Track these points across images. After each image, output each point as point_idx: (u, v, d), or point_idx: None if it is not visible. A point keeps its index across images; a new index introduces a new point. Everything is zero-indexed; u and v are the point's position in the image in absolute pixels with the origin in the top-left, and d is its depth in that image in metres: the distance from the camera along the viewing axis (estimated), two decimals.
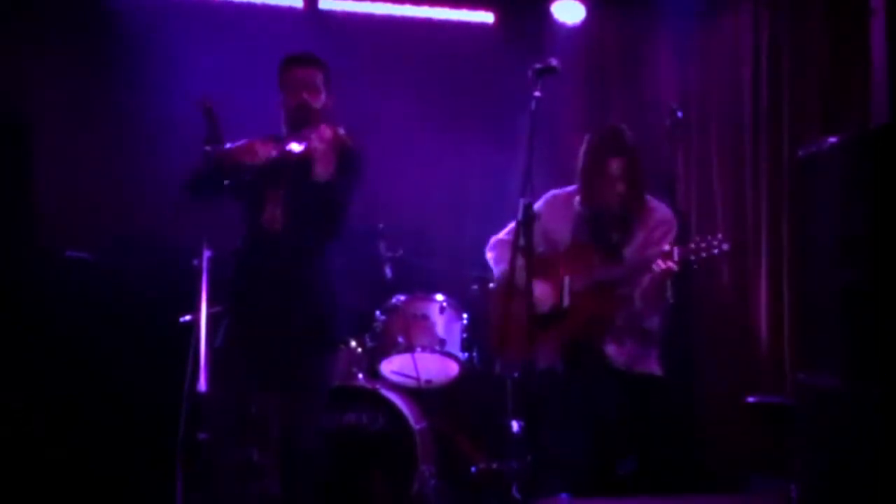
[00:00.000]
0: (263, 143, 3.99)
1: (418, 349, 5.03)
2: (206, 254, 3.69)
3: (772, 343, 5.44)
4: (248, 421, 4.10)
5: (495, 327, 4.46)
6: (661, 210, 4.49)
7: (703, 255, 4.12)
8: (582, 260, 4.41)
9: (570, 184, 4.64)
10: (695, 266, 4.15)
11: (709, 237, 4.16)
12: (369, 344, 5.16)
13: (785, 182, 5.39)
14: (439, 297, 5.19)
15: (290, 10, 5.95)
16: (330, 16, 6.00)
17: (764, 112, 5.55)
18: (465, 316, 5.22)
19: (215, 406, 3.85)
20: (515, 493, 4.67)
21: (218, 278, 3.95)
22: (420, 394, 5.14)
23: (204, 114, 3.75)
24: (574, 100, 6.02)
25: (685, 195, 5.84)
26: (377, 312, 5.18)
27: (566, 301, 4.38)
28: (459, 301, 5.25)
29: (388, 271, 5.32)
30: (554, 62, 3.90)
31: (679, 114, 5.18)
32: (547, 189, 4.67)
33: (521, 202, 3.80)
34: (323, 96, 4.16)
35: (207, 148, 3.73)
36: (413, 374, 5.07)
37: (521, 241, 3.81)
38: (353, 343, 5.11)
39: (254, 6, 5.89)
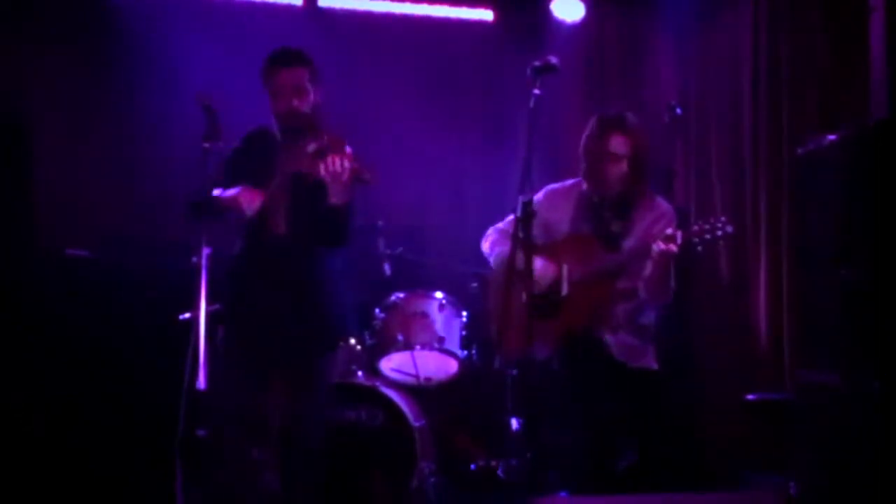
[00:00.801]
0: (251, 194, 3.93)
1: (417, 347, 5.03)
2: (206, 251, 3.68)
3: (771, 340, 5.44)
4: (248, 417, 4.10)
5: (494, 317, 4.46)
6: (662, 205, 4.48)
7: (707, 237, 4.06)
8: (581, 249, 4.40)
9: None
10: (699, 248, 4.09)
11: (711, 219, 4.09)
12: (368, 341, 5.16)
13: (784, 179, 5.39)
14: (438, 294, 5.19)
15: (290, 8, 5.96)
16: (329, 13, 6.01)
17: (763, 110, 5.55)
18: (464, 313, 5.22)
19: (215, 403, 3.85)
20: (513, 490, 4.68)
21: (217, 276, 3.94)
22: (419, 391, 5.15)
23: (203, 110, 3.75)
24: (573, 98, 6.03)
25: (684, 192, 5.85)
26: (376, 310, 5.18)
27: (564, 290, 4.38)
28: (459, 298, 5.25)
29: (387, 269, 5.32)
30: (553, 60, 3.90)
31: (678, 111, 5.18)
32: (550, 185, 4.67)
33: (520, 199, 3.80)
34: (311, 95, 4.12)
35: (206, 145, 3.72)
36: (412, 371, 5.07)
37: (519, 237, 3.81)
38: (353, 340, 5.11)
39: (253, 4, 5.90)
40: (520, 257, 3.81)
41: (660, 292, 4.28)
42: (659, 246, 4.06)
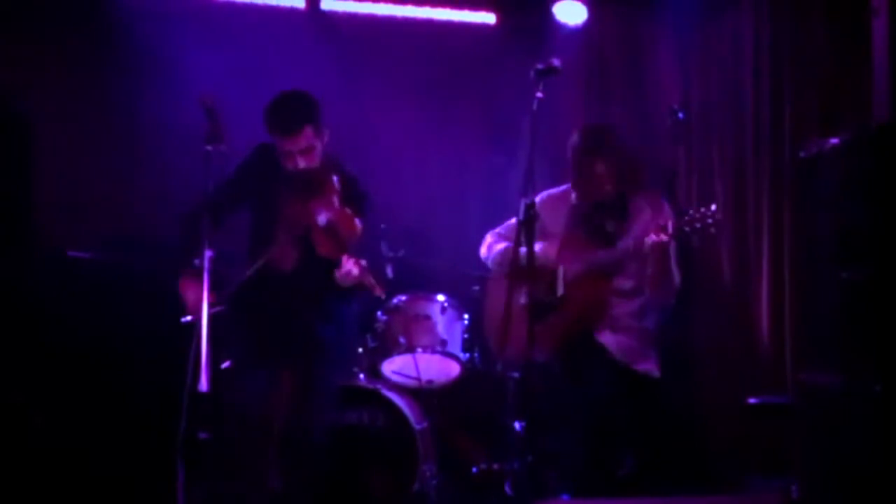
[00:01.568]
0: (196, 298, 3.74)
1: (419, 349, 5.03)
2: (208, 254, 3.69)
3: (773, 343, 5.44)
4: (252, 418, 4.10)
5: (492, 319, 4.47)
6: (659, 202, 4.50)
7: (698, 225, 4.07)
8: (574, 248, 4.42)
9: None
10: (692, 237, 4.09)
11: (702, 208, 4.11)
12: (371, 344, 5.16)
13: (786, 182, 5.39)
14: (440, 297, 5.19)
15: (293, 11, 5.95)
16: (332, 16, 6.01)
17: (765, 113, 5.55)
18: (466, 316, 5.22)
19: (218, 403, 3.85)
20: (511, 492, 4.68)
21: (219, 278, 3.95)
22: (421, 394, 5.15)
23: (205, 112, 3.75)
24: (575, 100, 6.02)
25: (686, 195, 5.84)
26: (378, 313, 5.18)
27: (560, 290, 4.39)
28: (461, 301, 5.25)
29: (389, 271, 5.32)
30: (556, 62, 3.91)
31: (680, 114, 5.19)
32: (547, 189, 4.68)
33: (523, 202, 3.81)
34: (318, 147, 4.08)
35: (208, 147, 3.72)
36: (414, 374, 5.07)
37: (522, 241, 3.82)
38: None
39: (255, 6, 5.90)
40: (521, 258, 3.82)
41: (662, 289, 4.30)
42: (651, 238, 4.09)
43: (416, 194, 6.00)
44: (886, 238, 3.72)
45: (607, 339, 4.36)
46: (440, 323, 5.11)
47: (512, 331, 3.87)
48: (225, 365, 4.34)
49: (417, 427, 4.84)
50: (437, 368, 5.15)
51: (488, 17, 6.16)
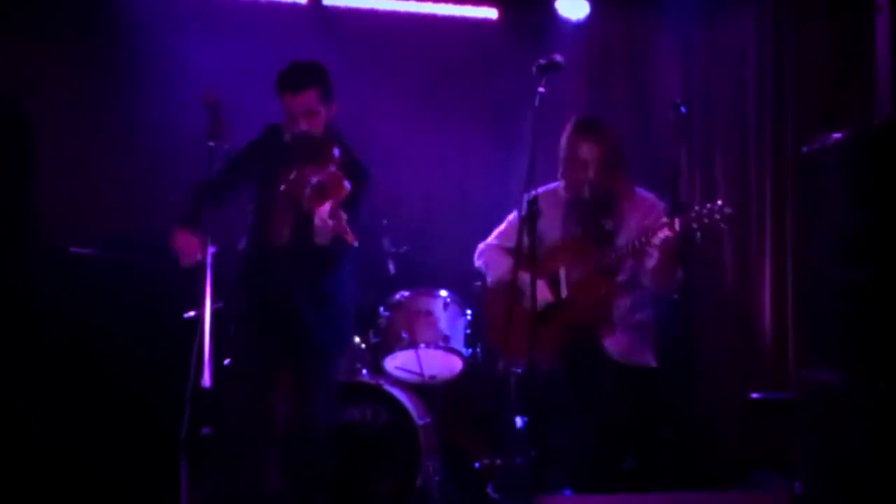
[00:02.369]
0: (188, 246, 3.92)
1: (422, 345, 5.03)
2: (211, 249, 3.69)
3: (775, 339, 5.44)
4: (254, 415, 4.11)
5: (496, 328, 4.48)
6: (648, 197, 4.51)
7: (706, 220, 4.06)
8: (576, 250, 4.42)
9: None
10: (697, 233, 4.09)
11: (709, 204, 4.10)
12: (373, 340, 5.16)
13: (789, 178, 5.40)
14: (443, 292, 5.19)
15: (295, 6, 5.95)
16: (334, 12, 6.00)
17: (767, 109, 5.55)
18: (468, 312, 5.22)
19: (221, 401, 3.86)
20: (516, 489, 4.68)
21: (221, 274, 3.95)
22: (424, 389, 5.15)
23: (208, 109, 3.75)
24: (578, 96, 6.02)
25: (688, 192, 5.84)
26: (381, 308, 5.18)
27: (564, 292, 4.39)
28: (463, 297, 5.25)
29: (391, 267, 5.33)
30: (558, 58, 3.91)
31: (683, 110, 5.16)
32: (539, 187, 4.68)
33: (525, 198, 3.81)
34: (323, 113, 4.09)
35: (211, 144, 3.73)
36: (417, 369, 5.08)
37: (525, 238, 3.83)
38: (357, 339, 5.12)
39: (257, 2, 5.90)
40: (521, 275, 3.84)
41: (666, 282, 4.30)
42: (664, 233, 4.08)
43: (417, 190, 5.99)
44: (889, 234, 3.72)
45: (604, 340, 4.37)
46: (442, 318, 5.11)
47: (514, 338, 3.87)
48: (227, 362, 4.35)
49: (420, 422, 4.84)
50: (440, 364, 5.15)
51: (491, 13, 6.15)
